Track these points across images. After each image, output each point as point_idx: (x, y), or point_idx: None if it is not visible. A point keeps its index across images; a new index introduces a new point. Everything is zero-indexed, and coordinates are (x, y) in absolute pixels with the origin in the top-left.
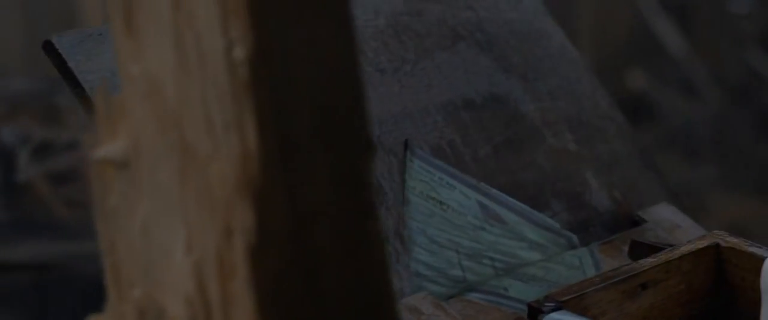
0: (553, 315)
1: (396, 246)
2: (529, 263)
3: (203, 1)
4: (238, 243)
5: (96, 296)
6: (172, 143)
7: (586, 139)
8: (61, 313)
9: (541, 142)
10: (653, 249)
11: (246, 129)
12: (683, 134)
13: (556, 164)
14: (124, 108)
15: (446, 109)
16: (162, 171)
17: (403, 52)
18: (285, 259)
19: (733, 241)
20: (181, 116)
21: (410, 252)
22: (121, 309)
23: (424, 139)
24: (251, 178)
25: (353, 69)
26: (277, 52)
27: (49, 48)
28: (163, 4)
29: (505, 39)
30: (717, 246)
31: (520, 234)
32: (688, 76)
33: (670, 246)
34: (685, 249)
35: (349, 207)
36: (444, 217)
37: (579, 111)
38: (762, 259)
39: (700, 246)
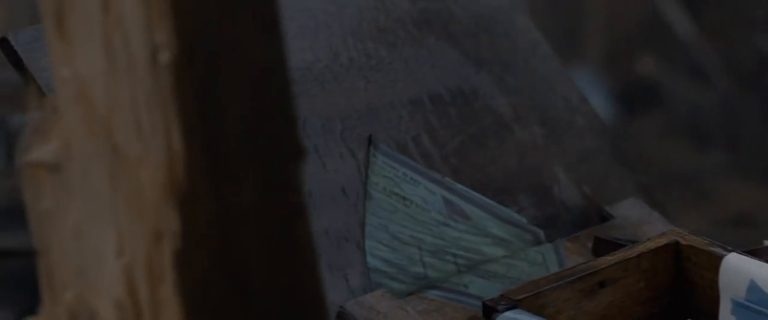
0: (508, 314)
1: (359, 243)
2: (491, 259)
3: (131, 4)
4: (166, 248)
5: None
6: (103, 147)
7: (555, 134)
8: None
9: (510, 136)
10: (617, 246)
11: (171, 133)
12: (692, 120)
13: (524, 159)
14: (56, 110)
15: (413, 104)
16: (93, 175)
17: (369, 46)
18: (211, 263)
19: (693, 239)
20: (110, 119)
21: (370, 249)
22: (54, 312)
23: (389, 134)
24: (177, 183)
25: (281, 73)
26: (202, 56)
27: (5, 45)
28: (93, 7)
29: (475, 33)
30: (677, 244)
31: (484, 230)
32: (698, 62)
33: (634, 242)
34: (644, 247)
35: (277, 210)
36: (407, 213)
37: (549, 105)
38: (720, 258)
39: (660, 244)
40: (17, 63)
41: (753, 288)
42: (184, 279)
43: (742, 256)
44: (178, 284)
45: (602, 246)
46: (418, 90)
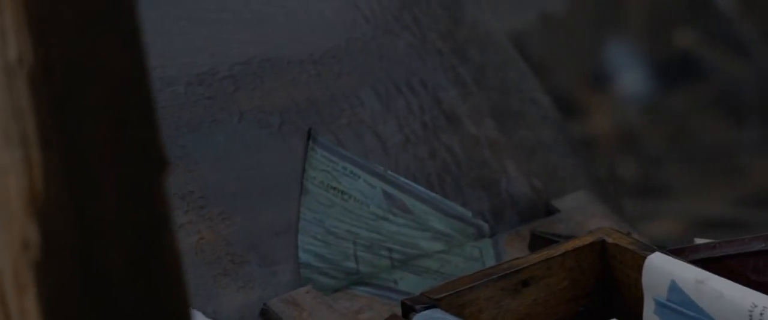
0: (425, 313)
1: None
2: (426, 254)
3: None
4: (28, 258)
5: None
6: None
7: (508, 126)
8: None
9: (459, 129)
10: (551, 242)
11: (30, 144)
12: (730, 94)
13: (473, 151)
14: None
15: (357, 97)
16: None
17: (313, 39)
18: (71, 275)
19: (619, 238)
20: None
21: (302, 244)
22: None
23: (331, 127)
24: (36, 193)
25: (142, 82)
26: (59, 67)
27: None
28: None
29: (429, 24)
30: (602, 242)
31: (425, 223)
32: (738, 35)
33: (569, 238)
34: (569, 245)
35: (140, 221)
36: (344, 207)
37: (503, 97)
38: (644, 257)
39: (585, 243)
40: None
41: (673, 288)
42: (44, 290)
43: (665, 256)
44: (38, 295)
45: (537, 242)
46: (364, 82)
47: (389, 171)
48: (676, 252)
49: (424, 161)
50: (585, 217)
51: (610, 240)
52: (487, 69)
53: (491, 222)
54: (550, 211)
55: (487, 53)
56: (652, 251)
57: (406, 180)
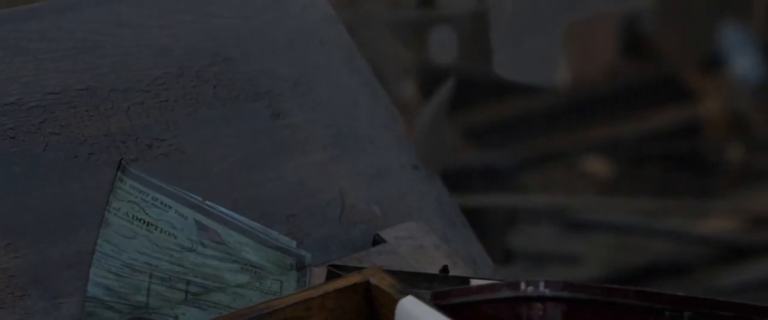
0: None
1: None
2: (221, 289)
3: None
4: None
5: None
6: None
7: (352, 151)
8: None
9: (295, 155)
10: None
11: None
12: None
13: (307, 178)
14: None
15: (183, 125)
16: None
17: (142, 67)
18: None
19: (381, 279)
20: None
21: (93, 277)
22: None
23: (148, 156)
24: None
25: None
26: None
27: None
28: None
29: (276, 49)
30: (367, 283)
31: (237, 255)
32: None
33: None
34: (330, 286)
35: None
36: (148, 239)
37: (350, 123)
38: (397, 300)
39: (349, 283)
40: None
41: None
42: None
43: (416, 301)
44: None
45: (333, 278)
46: (194, 110)
47: (208, 202)
48: (439, 296)
49: (252, 190)
50: (411, 249)
51: (374, 280)
52: (335, 93)
53: (316, 253)
54: (377, 242)
55: (337, 76)
56: (404, 295)
57: (226, 211)
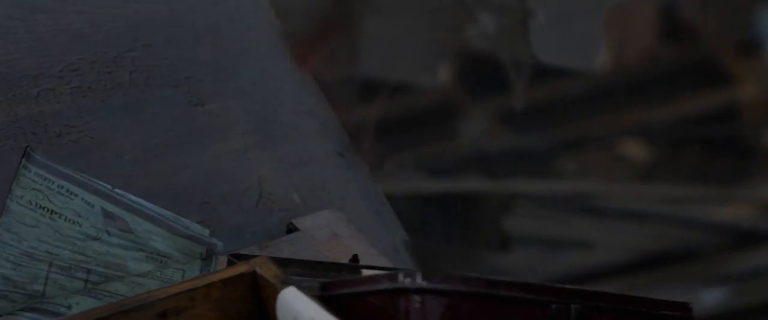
0: None
1: None
2: (120, 278)
3: None
4: None
5: None
6: None
7: (273, 139)
8: None
9: (213, 142)
10: None
11: None
12: None
13: (224, 166)
14: None
15: (95, 111)
16: None
17: (56, 53)
18: None
19: (267, 270)
20: None
21: None
22: None
23: (57, 143)
24: None
25: None
26: None
27: None
28: None
29: (199, 37)
30: (254, 273)
31: (144, 243)
32: None
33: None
34: (216, 276)
35: None
36: (51, 227)
37: (273, 110)
38: (279, 291)
39: (234, 274)
40: None
41: None
42: None
43: (296, 292)
44: None
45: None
46: (108, 96)
47: (117, 190)
48: (326, 287)
49: (166, 177)
50: (325, 238)
51: (260, 271)
52: (260, 79)
53: (230, 242)
54: (290, 230)
55: (262, 62)
56: (286, 286)
57: (135, 199)
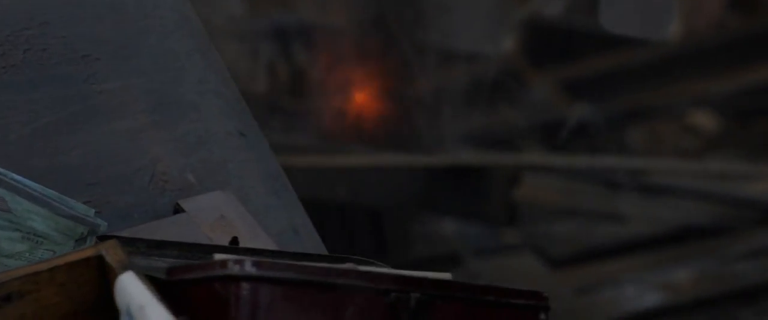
0: None
1: None
2: None
3: None
4: None
5: None
6: None
7: (172, 118)
8: None
9: (106, 122)
10: None
11: None
12: None
13: (117, 145)
14: None
15: None
16: None
17: None
18: None
19: (114, 253)
20: None
21: None
22: None
23: None
24: None
25: None
26: None
27: None
28: None
29: (102, 12)
30: (100, 257)
31: (22, 223)
32: None
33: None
34: (60, 259)
35: None
36: None
37: (174, 89)
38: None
39: (81, 258)
40: None
41: (128, 312)
42: None
43: (132, 278)
44: None
45: None
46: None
47: None
48: (173, 272)
49: (54, 157)
50: (212, 220)
51: (107, 256)
52: (162, 58)
53: (117, 222)
54: (177, 211)
55: (166, 41)
56: (124, 270)
57: (18, 178)
